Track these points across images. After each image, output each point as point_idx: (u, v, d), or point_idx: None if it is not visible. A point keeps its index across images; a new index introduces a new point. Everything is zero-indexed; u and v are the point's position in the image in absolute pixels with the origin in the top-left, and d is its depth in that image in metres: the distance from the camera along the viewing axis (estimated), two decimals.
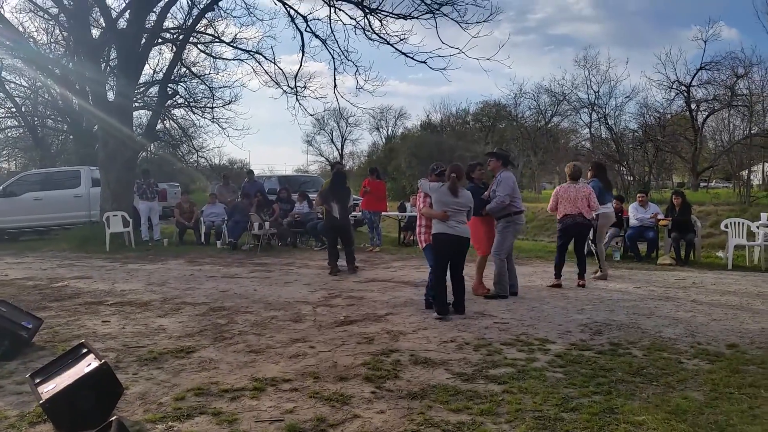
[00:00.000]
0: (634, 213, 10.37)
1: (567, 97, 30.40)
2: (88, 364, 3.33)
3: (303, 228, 12.51)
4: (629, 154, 21.35)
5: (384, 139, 53.22)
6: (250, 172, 15.49)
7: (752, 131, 20.23)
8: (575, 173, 7.65)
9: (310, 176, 23.32)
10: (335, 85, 14.84)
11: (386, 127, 55.57)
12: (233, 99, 20.70)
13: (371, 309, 6.16)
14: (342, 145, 57.12)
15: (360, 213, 12.64)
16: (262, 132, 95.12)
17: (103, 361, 3.27)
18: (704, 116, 27.40)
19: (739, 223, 10.07)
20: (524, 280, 8.00)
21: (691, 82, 26.75)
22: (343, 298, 6.81)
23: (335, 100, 19.34)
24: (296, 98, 15.31)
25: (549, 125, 36.44)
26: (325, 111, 35.77)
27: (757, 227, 9.81)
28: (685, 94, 26.95)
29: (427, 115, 45.32)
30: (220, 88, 20.69)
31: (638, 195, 10.83)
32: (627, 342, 4.82)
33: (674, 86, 26.42)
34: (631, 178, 19.58)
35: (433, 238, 5.95)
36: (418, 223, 6.23)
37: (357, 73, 14.44)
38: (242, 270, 9.23)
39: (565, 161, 26.77)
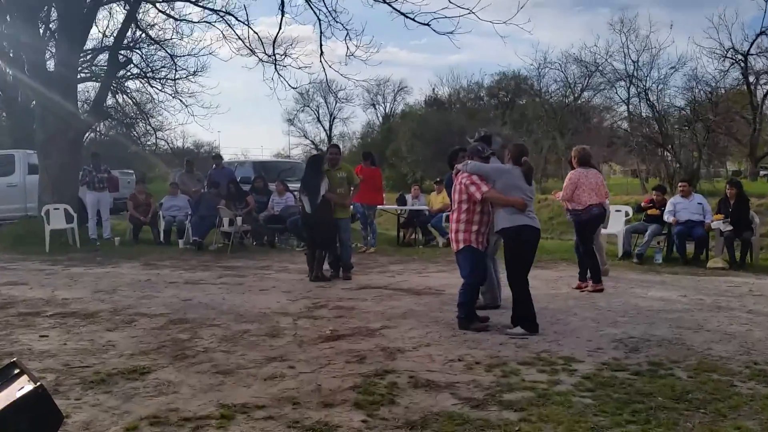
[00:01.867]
0: (672, 207, 10.39)
1: (600, 68, 30.34)
2: (21, 388, 3.32)
3: (282, 224, 12.53)
4: (674, 137, 21.42)
5: (381, 118, 53.37)
6: (218, 156, 15.48)
7: None
8: (586, 157, 7.84)
9: (291, 162, 23.31)
10: (322, 53, 14.85)
11: (383, 103, 55.65)
12: (199, 69, 20.54)
13: (363, 321, 6.16)
14: (330, 125, 57.20)
15: (351, 206, 12.64)
16: (234, 109, 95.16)
17: (38, 383, 3.26)
18: (765, 91, 27.48)
19: None
20: (547, 286, 8.01)
21: (749, 50, 26.73)
22: (329, 308, 6.81)
23: (322, 70, 19.32)
24: (275, 68, 15.31)
25: (579, 101, 36.42)
26: (309, 84, 35.70)
27: None
28: (742, 64, 26.98)
29: (433, 89, 45.37)
30: (183, 56, 20.45)
31: (680, 184, 10.87)
32: (669, 361, 4.83)
33: (729, 55, 26.43)
34: (678, 165, 19.65)
35: (510, 234, 5.72)
36: (454, 217, 6.02)
37: (348, 37, 14.45)
38: (209, 275, 9.23)
39: (598, 144, 26.93)
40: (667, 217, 10.33)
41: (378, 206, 12.75)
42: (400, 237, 13.78)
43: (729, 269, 9.57)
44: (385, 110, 55.14)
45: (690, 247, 10.51)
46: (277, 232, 13.11)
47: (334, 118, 57.29)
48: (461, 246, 5.95)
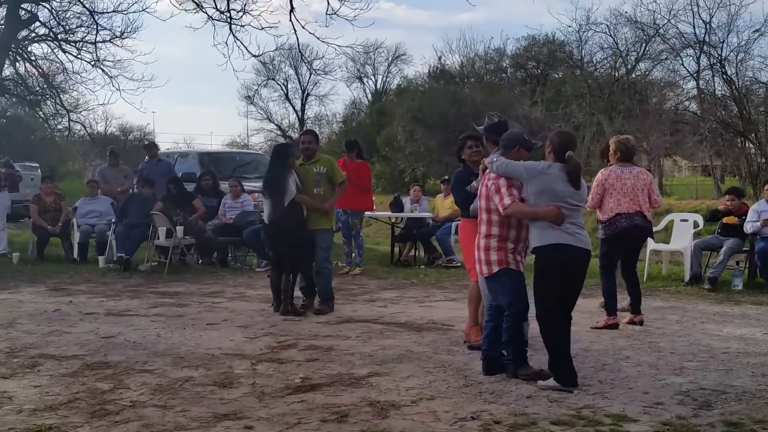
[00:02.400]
0: (755, 216, 10.41)
1: (661, 32, 30.53)
2: None
3: (238, 237, 12.52)
4: (759, 122, 21.47)
5: (370, 96, 53.46)
6: (152, 145, 15.45)
7: None
8: (629, 151, 7.86)
9: (250, 153, 23.31)
10: (292, 8, 14.90)
11: (374, 76, 55.83)
12: (129, 30, 20.52)
13: (345, 367, 6.13)
14: (303, 105, 57.45)
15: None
16: (175, 83, 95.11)
17: None
18: None
19: None
20: (590, 320, 8.02)
21: None
22: (300, 349, 6.79)
23: (292, 32, 19.22)
24: (230, 29, 15.34)
25: (633, 75, 36.63)
26: (276, 50, 35.34)
27: None
28: None
29: (439, 58, 45.42)
30: (107, 12, 20.35)
31: (767, 186, 10.92)
32: (752, 421, 4.84)
33: None
34: (763, 161, 19.76)
35: (540, 256, 5.71)
36: (482, 231, 5.98)
37: None
38: (139, 304, 9.18)
39: (658, 132, 27.05)
40: (749, 228, 10.36)
41: (366, 213, 12.75)
42: (394, 254, 13.78)
43: None
44: (375, 85, 55.41)
45: None
46: (230, 247, 13.06)
47: (308, 95, 57.58)
48: (495, 269, 5.90)
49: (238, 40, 15.63)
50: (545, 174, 5.68)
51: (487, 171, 5.96)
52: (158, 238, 12.17)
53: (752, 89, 23.82)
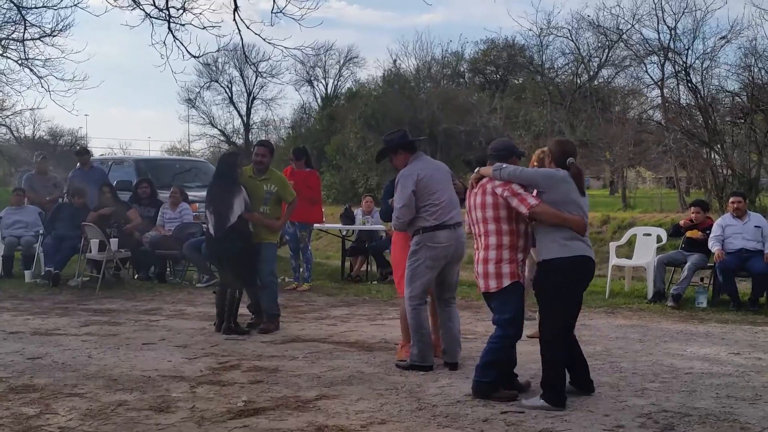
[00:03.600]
0: (719, 231, 10.66)
1: (625, 37, 31.03)
2: None
3: (177, 250, 12.44)
4: (725, 133, 21.85)
5: (320, 100, 53.44)
6: (84, 151, 15.30)
7: None
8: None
9: (191, 160, 23.15)
10: (236, 7, 14.79)
11: (325, 79, 55.87)
12: (60, 28, 20.25)
13: (291, 389, 6.14)
14: (248, 109, 57.21)
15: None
16: (109, 85, 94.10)
17: None
18: None
19: None
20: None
21: None
22: (243, 370, 6.77)
23: (236, 32, 19.13)
24: (168, 27, 15.18)
25: (595, 82, 37.19)
26: (219, 51, 34.99)
27: None
28: None
29: (394, 61, 45.59)
30: (36, 8, 20.09)
31: (732, 199, 11.16)
32: None
33: None
34: (729, 173, 20.11)
35: (561, 268, 5.72)
36: (491, 242, 5.94)
37: None
38: (68, 322, 9.08)
39: (621, 141, 27.45)
40: (712, 245, 10.58)
41: (315, 225, 12.75)
42: (345, 269, 13.80)
43: None
44: (326, 89, 55.42)
45: (745, 286, 10.79)
46: (169, 261, 12.96)
47: (254, 98, 57.41)
48: (506, 283, 5.90)
49: (177, 39, 15.43)
50: (566, 182, 5.77)
51: (484, 181, 5.99)
52: (90, 251, 12.03)
53: (718, 98, 24.23)
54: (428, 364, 6.82)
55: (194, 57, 15.49)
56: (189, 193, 13.67)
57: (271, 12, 13.78)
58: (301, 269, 12.21)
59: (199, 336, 8.32)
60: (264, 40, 22.76)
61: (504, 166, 5.89)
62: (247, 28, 14.96)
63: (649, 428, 5.24)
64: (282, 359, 7.23)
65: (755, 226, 10.63)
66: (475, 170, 6.14)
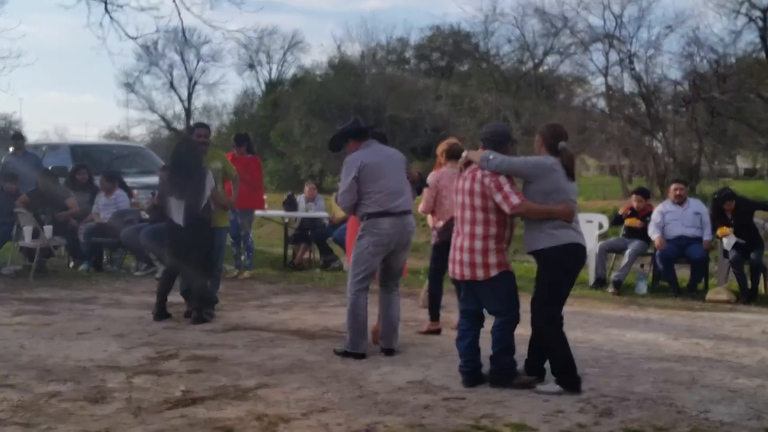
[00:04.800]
0: (659, 218, 10.87)
1: (570, 25, 31.31)
2: None
3: (114, 238, 12.29)
4: (668, 121, 22.20)
5: (264, 86, 53.04)
6: (18, 136, 15.06)
7: None
8: (456, 151, 8.10)
9: (129, 146, 22.89)
10: None
11: (268, 64, 55.43)
12: None
13: (231, 378, 6.11)
14: (189, 94, 56.49)
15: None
16: (44, 65, 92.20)
17: None
18: None
19: None
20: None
21: None
22: (181, 359, 6.73)
23: (176, 13, 18.90)
24: (105, 8, 14.98)
25: (540, 69, 37.47)
26: (157, 32, 34.18)
27: None
28: (760, 23, 28.35)
29: (339, 47, 45.46)
30: None
31: (673, 186, 11.35)
32: (653, 428, 5.03)
33: (742, 10, 27.72)
34: (671, 160, 20.45)
35: (555, 256, 5.79)
36: (478, 232, 5.94)
37: None
38: (0, 311, 8.96)
39: (566, 127, 27.54)
40: (652, 233, 10.76)
41: (257, 212, 12.68)
42: (288, 256, 13.76)
43: (736, 303, 10.03)
44: (270, 74, 54.99)
45: (684, 273, 10.99)
46: (106, 249, 12.79)
47: (196, 83, 56.63)
48: (493, 273, 5.92)
49: (114, 20, 15.26)
50: (555, 171, 5.78)
51: (473, 167, 5.98)
52: (23, 239, 11.84)
53: (661, 86, 24.61)
54: (360, 352, 6.86)
55: (132, 38, 15.34)
56: (127, 179, 13.51)
57: None
58: (243, 257, 12.14)
59: (136, 325, 8.21)
60: (204, 22, 22.53)
61: (492, 156, 5.86)
62: (187, 9, 14.76)
63: (588, 413, 5.31)
64: (222, 348, 7.18)
65: (695, 213, 10.83)
66: (464, 154, 6.14)
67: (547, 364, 6.00)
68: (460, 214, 6.06)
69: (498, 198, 5.78)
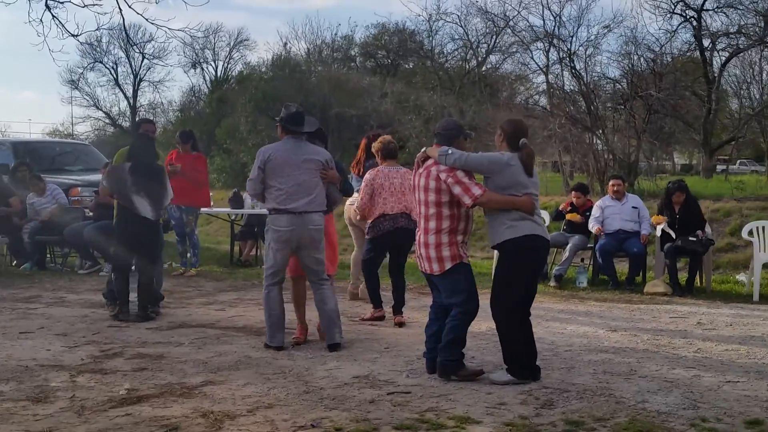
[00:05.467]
0: (599, 213, 11.09)
1: (512, 24, 31.60)
2: None
3: (58, 236, 12.11)
4: (607, 118, 22.49)
5: (209, 83, 52.67)
6: None
7: None
8: (391, 151, 8.35)
9: (72, 143, 22.59)
10: None
11: (214, 61, 55.06)
12: None
13: (177, 376, 6.09)
14: (135, 91, 55.92)
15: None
16: None
17: None
18: (723, 59, 29.60)
19: None
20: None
21: (703, 5, 28.77)
22: (126, 357, 6.68)
23: (117, 10, 18.62)
24: (46, 5, 14.71)
25: (484, 68, 37.74)
26: (99, 30, 33.59)
27: None
28: (695, 23, 29.00)
29: (285, 44, 45.31)
30: None
31: (611, 181, 11.57)
32: (592, 419, 5.10)
33: (677, 10, 28.31)
34: (610, 156, 20.70)
35: (515, 248, 5.88)
36: (431, 227, 6.02)
37: None
38: None
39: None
40: (592, 226, 10.96)
41: (202, 209, 12.60)
42: (234, 253, 13.70)
43: (672, 295, 10.23)
44: (216, 72, 54.63)
45: (623, 266, 11.20)
46: (49, 247, 12.62)
47: (141, 80, 56.11)
48: (447, 266, 6.01)
49: (55, 17, 14.93)
50: (511, 166, 5.85)
51: (428, 163, 6.02)
52: None
53: (600, 84, 24.96)
54: (276, 344, 6.96)
55: (73, 36, 15.03)
56: (72, 177, 13.36)
57: None
58: (189, 254, 12.07)
59: (80, 324, 8.13)
60: (147, 20, 22.27)
61: (450, 151, 5.91)
62: (129, 7, 14.54)
63: (529, 404, 5.38)
64: (167, 346, 7.15)
65: (632, 207, 11.07)
66: (422, 149, 6.18)
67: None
68: (418, 210, 6.14)
69: (457, 190, 5.85)
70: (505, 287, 6.02)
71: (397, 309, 8.35)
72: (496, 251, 6.41)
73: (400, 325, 8.21)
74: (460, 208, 5.98)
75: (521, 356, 5.98)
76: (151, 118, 38.64)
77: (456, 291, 6.06)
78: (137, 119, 11.83)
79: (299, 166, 6.87)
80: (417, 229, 6.22)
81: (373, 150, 8.49)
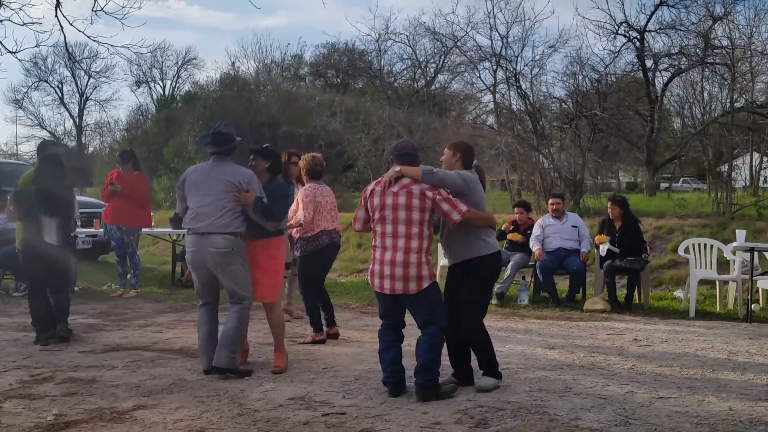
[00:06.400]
0: (539, 231, 11.29)
1: (459, 44, 31.84)
2: None
3: None
4: (554, 137, 22.77)
5: (156, 102, 52.33)
6: None
7: (734, 104, 22.51)
8: (315, 169, 8.47)
9: (11, 163, 22.31)
10: (58, 3, 14.28)
11: (162, 80, 54.79)
12: None
13: (108, 400, 5.98)
14: (81, 110, 55.32)
15: (101, 230, 12.26)
16: None
17: None
18: (665, 79, 30.18)
19: (704, 245, 11.15)
20: (376, 338, 8.22)
21: (646, 26, 29.42)
22: (56, 382, 6.55)
23: (58, 28, 18.43)
24: None
25: (432, 87, 38.00)
26: (38, 47, 33.13)
27: (732, 252, 10.94)
28: (638, 43, 29.53)
29: (233, 63, 45.23)
30: None
31: (550, 201, 11.73)
32: None
33: (621, 31, 28.83)
34: (556, 174, 20.93)
35: (491, 262, 6.26)
36: (413, 246, 6.04)
37: None
38: None
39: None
40: (533, 245, 11.09)
41: (143, 230, 12.46)
42: (175, 274, 13.58)
43: (612, 312, 10.42)
44: (164, 91, 54.37)
45: (564, 284, 11.33)
46: None
47: (87, 99, 55.59)
48: (425, 284, 6.07)
49: None
50: (478, 183, 6.19)
51: (407, 182, 6.05)
52: None
53: (546, 104, 25.31)
54: (203, 368, 6.83)
55: (11, 53, 14.79)
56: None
57: (92, 10, 13.35)
58: (129, 275, 11.92)
59: (11, 348, 7.95)
60: (89, 37, 21.94)
61: (435, 170, 6.06)
62: (70, 24, 14.37)
63: (464, 423, 5.38)
64: (100, 369, 7.02)
65: (572, 226, 11.26)
66: (396, 169, 6.14)
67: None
68: (390, 230, 6.09)
69: (446, 207, 5.97)
70: (479, 299, 6.28)
71: (331, 321, 8.52)
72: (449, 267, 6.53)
73: (336, 335, 8.47)
74: (431, 228, 6.14)
75: (495, 358, 6.36)
76: (55, 141, 37.88)
77: (430, 309, 6.13)
78: (42, 142, 11.60)
79: (209, 186, 6.78)
80: (381, 248, 6.22)
81: (301, 166, 8.55)
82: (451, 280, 6.42)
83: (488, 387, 6.21)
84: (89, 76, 53.24)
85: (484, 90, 30.75)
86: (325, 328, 8.44)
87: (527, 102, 23.64)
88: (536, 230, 11.27)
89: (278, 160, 7.40)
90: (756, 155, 23.78)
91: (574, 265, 10.92)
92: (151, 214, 12.71)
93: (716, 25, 25.33)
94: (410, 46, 36.90)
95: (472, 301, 6.23)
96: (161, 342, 8.33)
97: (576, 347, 8.10)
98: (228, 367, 6.67)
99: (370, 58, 40.46)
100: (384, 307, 6.30)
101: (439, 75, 38.24)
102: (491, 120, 30.95)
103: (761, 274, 10.59)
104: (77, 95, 55.69)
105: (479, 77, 30.85)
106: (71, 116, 55.97)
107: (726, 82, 22.66)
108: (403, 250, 6.03)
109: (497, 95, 28.21)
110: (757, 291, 10.88)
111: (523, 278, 11.57)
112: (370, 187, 6.27)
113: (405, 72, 39.90)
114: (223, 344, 6.73)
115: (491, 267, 6.28)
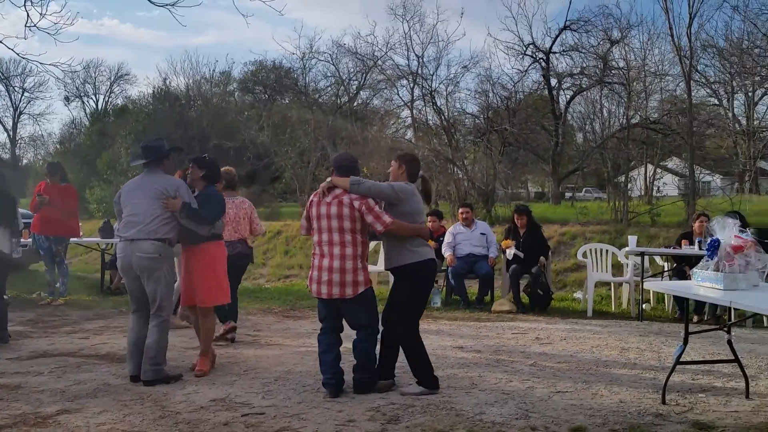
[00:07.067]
0: (450, 239, 11.47)
1: (379, 63, 32.07)
2: None
3: None
4: (467, 150, 23.07)
5: (90, 116, 51.33)
6: None
7: (630, 120, 23.18)
8: (231, 181, 8.61)
9: None
10: None
11: (95, 95, 53.79)
12: None
13: (32, 405, 5.85)
14: (14, 124, 53.90)
15: (30, 239, 11.96)
16: None
17: None
18: (568, 97, 30.85)
19: (600, 250, 11.43)
20: (297, 341, 8.17)
21: (551, 48, 30.01)
22: None
23: None
24: None
25: (355, 103, 38.06)
26: None
27: (625, 256, 11.23)
28: (544, 64, 30.09)
29: (164, 79, 44.58)
30: None
31: (460, 210, 11.87)
32: (434, 431, 5.17)
33: (528, 52, 29.32)
34: (470, 185, 21.17)
35: (418, 271, 6.18)
36: (348, 253, 6.08)
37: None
38: None
39: (378, 157, 28.33)
40: (445, 251, 11.21)
41: (71, 239, 12.19)
42: (104, 282, 13.30)
43: (517, 312, 10.61)
44: (97, 105, 53.37)
45: (474, 287, 11.49)
46: None
47: (21, 113, 54.20)
48: (361, 289, 6.11)
49: None
50: (415, 195, 6.16)
51: (339, 192, 6.08)
52: None
53: (460, 119, 25.72)
54: (129, 372, 6.71)
55: None
56: None
57: (25, 26, 13.02)
58: (57, 283, 11.66)
59: None
60: (19, 55, 21.43)
61: (362, 180, 6.08)
62: (0, 42, 13.98)
63: (377, 420, 5.41)
64: (26, 375, 6.85)
65: (481, 233, 11.44)
66: (328, 179, 6.21)
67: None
68: (326, 238, 6.13)
69: (370, 218, 6.00)
70: (409, 306, 6.24)
71: (231, 316, 8.50)
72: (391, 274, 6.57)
73: (234, 329, 8.48)
74: (366, 235, 6.15)
75: (429, 367, 6.24)
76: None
77: (365, 313, 6.20)
78: None
79: (140, 195, 6.74)
80: (319, 256, 6.19)
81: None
82: (393, 285, 6.52)
83: (412, 392, 6.14)
84: (23, 91, 52.00)
85: (402, 106, 31.18)
86: (223, 325, 8.40)
87: (442, 117, 23.99)
88: (448, 237, 11.42)
89: (214, 168, 7.38)
90: (650, 167, 24.45)
91: (483, 269, 11.13)
92: (80, 224, 12.42)
93: (614, 48, 26.09)
94: (333, 65, 36.83)
95: (400, 305, 6.25)
96: (87, 348, 8.17)
97: (483, 346, 8.21)
98: (154, 378, 6.54)
99: (295, 75, 40.23)
100: (322, 311, 6.31)
101: (360, 92, 38.26)
102: (410, 134, 31.24)
103: (651, 276, 10.89)
104: (11, 109, 54.38)
105: (398, 94, 31.22)
106: (5, 129, 54.67)
107: (623, 100, 23.30)
108: (339, 257, 6.08)
109: (414, 111, 28.64)
110: (648, 292, 11.15)
111: (436, 282, 11.64)
112: (311, 198, 6.31)
113: (329, 89, 39.74)
114: (147, 358, 6.58)
115: (420, 275, 6.21)
